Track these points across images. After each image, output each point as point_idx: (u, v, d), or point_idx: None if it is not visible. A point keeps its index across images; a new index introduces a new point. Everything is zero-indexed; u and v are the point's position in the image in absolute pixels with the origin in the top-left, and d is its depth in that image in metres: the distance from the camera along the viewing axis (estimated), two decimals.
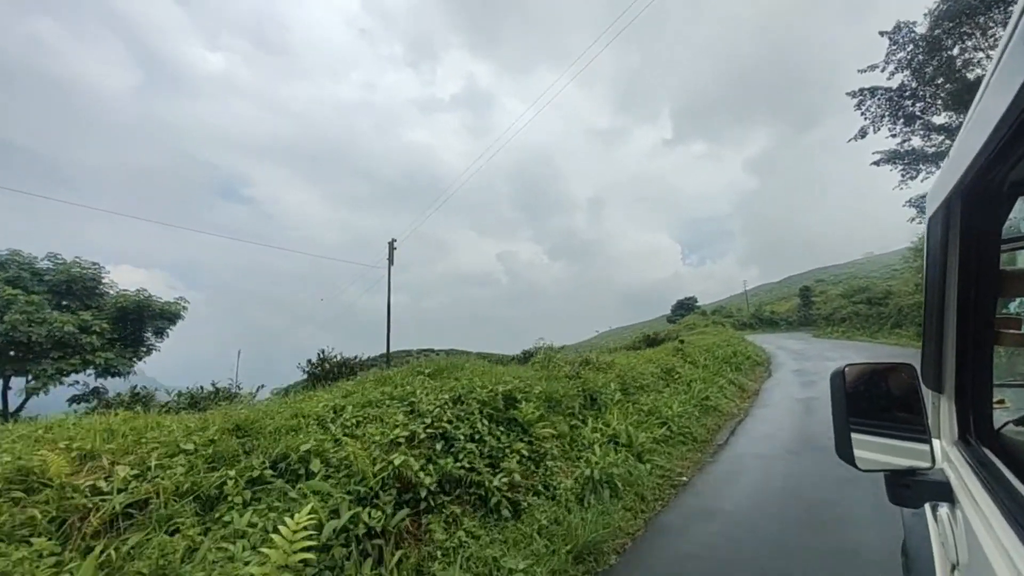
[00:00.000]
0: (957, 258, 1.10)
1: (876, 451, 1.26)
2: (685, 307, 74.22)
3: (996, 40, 18.12)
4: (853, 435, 1.26)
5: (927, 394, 1.35)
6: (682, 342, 15.12)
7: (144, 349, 16.69)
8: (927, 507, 1.38)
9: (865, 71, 21.72)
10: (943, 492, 1.19)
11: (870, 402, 1.35)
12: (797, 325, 51.84)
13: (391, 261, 21.73)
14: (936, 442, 1.30)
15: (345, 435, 4.31)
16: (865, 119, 21.90)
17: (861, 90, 22.02)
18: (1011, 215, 1.14)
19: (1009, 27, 0.71)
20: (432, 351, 78.14)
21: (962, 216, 1.07)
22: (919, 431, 1.24)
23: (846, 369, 1.34)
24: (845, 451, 1.26)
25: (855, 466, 1.24)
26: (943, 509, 1.20)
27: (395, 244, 21.94)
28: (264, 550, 2.81)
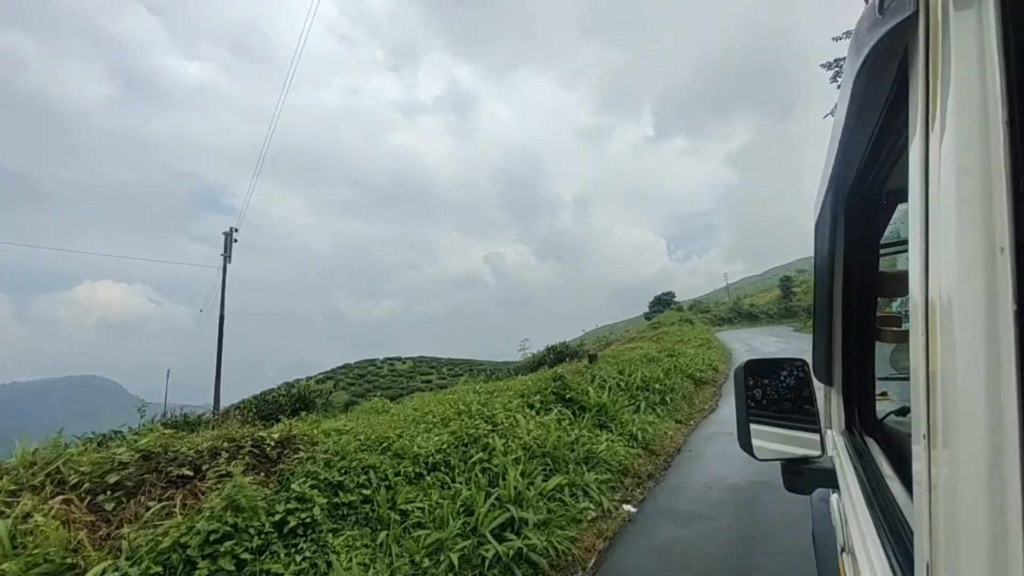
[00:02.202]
0: (842, 261, 1.21)
1: (773, 441, 1.35)
2: (663, 303, 70.17)
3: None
4: (752, 426, 1.36)
5: (819, 387, 1.43)
6: (591, 360, 10.36)
7: None
8: (830, 492, 1.49)
9: (841, 39, 18.40)
10: (830, 479, 1.28)
11: (768, 394, 1.45)
12: (778, 318, 47.94)
13: (227, 256, 16.78)
14: (828, 432, 1.44)
15: None
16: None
17: (836, 60, 18.65)
18: (891, 221, 1.24)
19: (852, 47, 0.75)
20: (398, 359, 73.20)
21: (845, 222, 1.18)
22: (812, 422, 1.35)
23: (747, 364, 1.46)
24: (745, 441, 1.35)
25: (754, 456, 1.33)
26: (834, 496, 1.38)
27: (235, 235, 17.05)
28: None
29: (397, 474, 4.22)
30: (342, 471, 3.93)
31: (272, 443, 4.09)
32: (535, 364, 12.75)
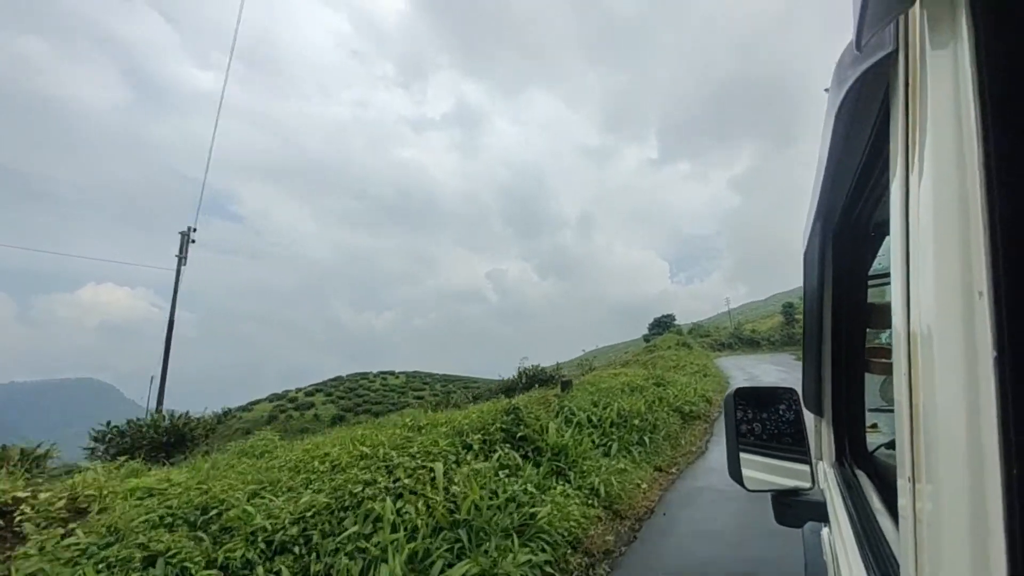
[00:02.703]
0: (831, 292, 1.19)
1: (763, 471, 1.30)
2: (662, 325, 68.63)
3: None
4: (742, 455, 1.31)
5: (809, 418, 1.40)
6: (563, 388, 8.94)
7: None
8: (822, 526, 1.45)
9: None
10: (820, 512, 1.25)
11: (757, 424, 1.40)
12: (780, 345, 46.35)
13: (183, 258, 15.40)
14: (820, 463, 1.39)
15: None
16: None
17: None
18: (879, 252, 1.22)
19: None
20: (392, 373, 71.49)
21: (833, 253, 1.16)
22: (802, 453, 1.31)
23: (736, 392, 1.42)
24: (735, 471, 1.31)
25: (743, 486, 1.28)
26: (824, 529, 1.34)
27: (192, 236, 15.74)
28: None
29: (210, 564, 2.83)
30: (102, 566, 2.53)
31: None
32: (506, 388, 11.33)
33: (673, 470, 6.90)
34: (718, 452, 7.93)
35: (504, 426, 6.05)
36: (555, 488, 5.15)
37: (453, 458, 4.97)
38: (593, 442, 6.71)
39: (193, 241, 15.48)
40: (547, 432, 6.22)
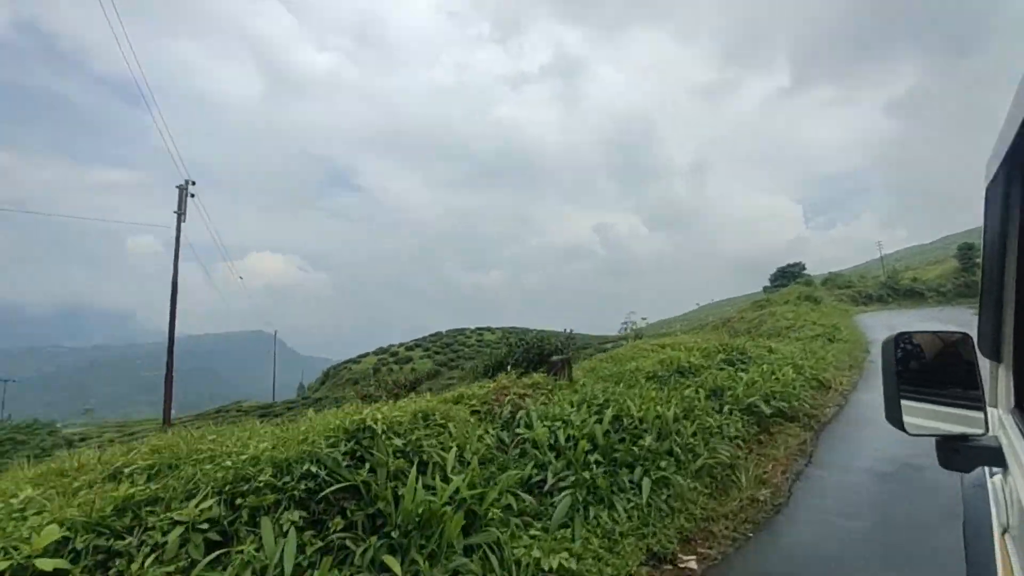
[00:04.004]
0: (1017, 226, 1.08)
1: (927, 417, 1.27)
2: (787, 275, 58.71)
3: None
4: (903, 401, 1.29)
5: (984, 363, 1.33)
6: (552, 371, 5.65)
7: None
8: (985, 473, 1.41)
9: None
10: (995, 457, 1.20)
11: (922, 370, 1.37)
12: (952, 297, 36.14)
13: (182, 214, 14.30)
14: (992, 410, 1.31)
15: None
16: None
17: None
18: None
19: None
20: (488, 329, 72.04)
21: (1023, 182, 1.04)
22: (974, 399, 1.26)
23: (898, 337, 1.36)
24: (895, 416, 1.29)
25: (904, 430, 1.26)
26: (997, 475, 1.26)
27: (190, 188, 14.55)
28: None
29: None
30: None
31: None
32: (496, 365, 8.28)
33: (690, 561, 3.37)
34: (826, 503, 4.17)
35: (329, 467, 3.11)
36: None
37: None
38: (521, 496, 3.47)
39: (192, 196, 14.63)
40: (418, 483, 3.12)
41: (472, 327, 76.95)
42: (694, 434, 4.74)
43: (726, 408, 5.63)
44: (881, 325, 20.55)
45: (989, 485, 1.37)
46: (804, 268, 59.84)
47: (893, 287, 40.99)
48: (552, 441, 4.20)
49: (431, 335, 71.71)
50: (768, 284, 60.77)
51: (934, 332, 1.44)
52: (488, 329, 74.74)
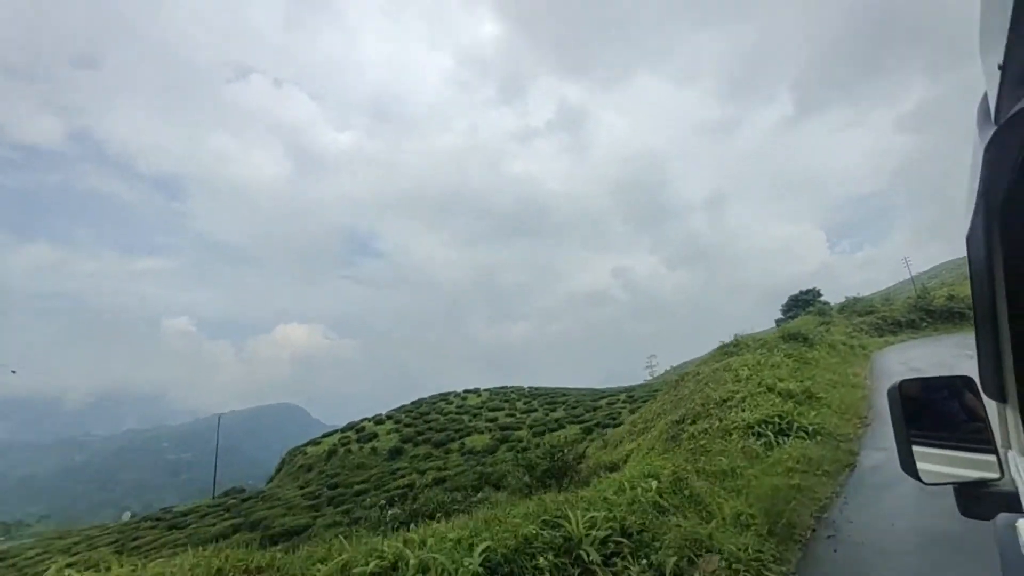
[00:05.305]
0: (1003, 271, 1.10)
1: (940, 463, 1.26)
2: (801, 304, 50.86)
3: None
4: (915, 448, 1.27)
5: (990, 405, 1.33)
6: None
7: None
8: (1016, 518, 1.28)
9: None
10: (1014, 503, 1.17)
11: (930, 415, 1.37)
12: None
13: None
14: (1007, 452, 1.30)
15: None
16: None
17: None
18: None
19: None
20: (475, 392, 64.60)
21: (1001, 228, 1.06)
22: (984, 442, 1.25)
23: (902, 384, 1.37)
24: (908, 465, 1.28)
25: (920, 480, 1.25)
26: (1020, 520, 1.16)
27: None
28: None
29: None
30: None
31: None
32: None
33: None
34: None
35: None
36: None
37: None
38: None
39: None
40: None
41: (460, 390, 70.04)
42: None
43: None
44: (901, 368, 13.52)
45: (1020, 527, 1.22)
46: (820, 295, 51.98)
47: (926, 308, 33.11)
48: None
49: (412, 403, 64.94)
50: (780, 316, 52.84)
51: (935, 376, 1.44)
52: (475, 392, 67.61)
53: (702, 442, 7.62)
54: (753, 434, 7.42)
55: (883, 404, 10.41)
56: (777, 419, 7.65)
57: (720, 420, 8.55)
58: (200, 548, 4.43)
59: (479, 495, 16.27)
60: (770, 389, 9.66)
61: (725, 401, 9.52)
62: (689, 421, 9.73)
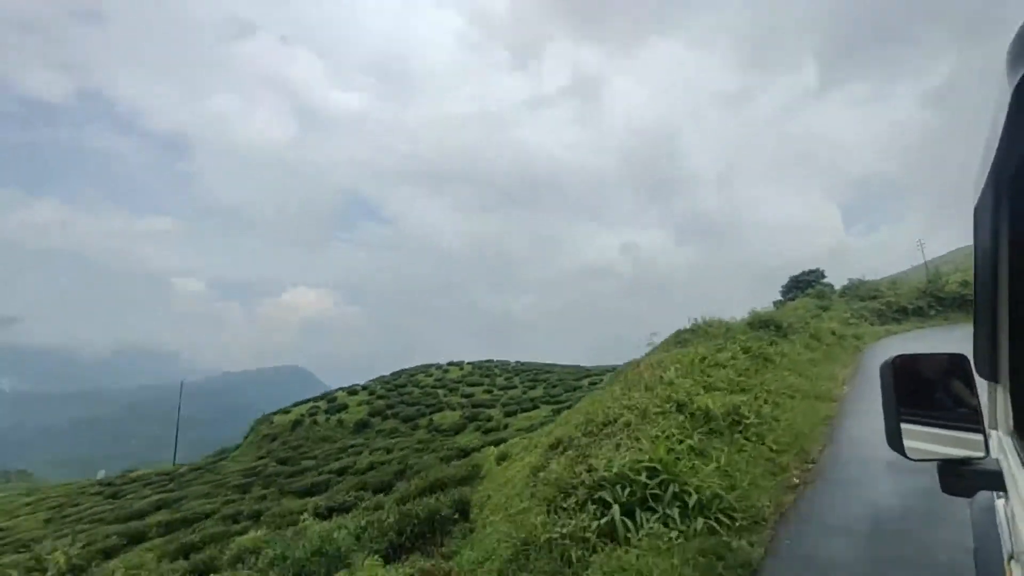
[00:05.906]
0: (1007, 246, 1.07)
1: (927, 441, 1.25)
2: (801, 285, 47.08)
3: None
4: (903, 425, 1.27)
5: (981, 384, 1.32)
6: None
7: None
8: (993, 496, 1.39)
9: None
10: (995, 482, 1.17)
11: (921, 393, 1.35)
12: None
13: None
14: (993, 432, 1.30)
15: None
16: None
17: None
18: None
19: None
20: (459, 365, 62.40)
21: (1010, 202, 1.03)
22: (972, 421, 1.24)
23: (896, 360, 1.34)
24: (895, 441, 1.27)
25: (905, 455, 1.24)
26: (1002, 499, 1.23)
27: None
28: None
29: None
30: None
31: None
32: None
33: None
34: None
35: None
36: None
37: None
38: None
39: None
40: None
41: (444, 362, 67.86)
42: None
43: None
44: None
45: (998, 506, 1.33)
46: (823, 276, 48.11)
47: (936, 295, 29.52)
48: None
49: (392, 373, 63.02)
50: (780, 298, 49.19)
51: (931, 353, 1.41)
52: (458, 364, 65.37)
53: (526, 509, 4.64)
54: (597, 502, 4.40)
55: (854, 433, 7.36)
56: (646, 474, 4.61)
57: (582, 460, 5.54)
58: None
59: (375, 498, 13.75)
60: (680, 407, 6.59)
61: (606, 425, 6.49)
62: (561, 450, 6.74)
